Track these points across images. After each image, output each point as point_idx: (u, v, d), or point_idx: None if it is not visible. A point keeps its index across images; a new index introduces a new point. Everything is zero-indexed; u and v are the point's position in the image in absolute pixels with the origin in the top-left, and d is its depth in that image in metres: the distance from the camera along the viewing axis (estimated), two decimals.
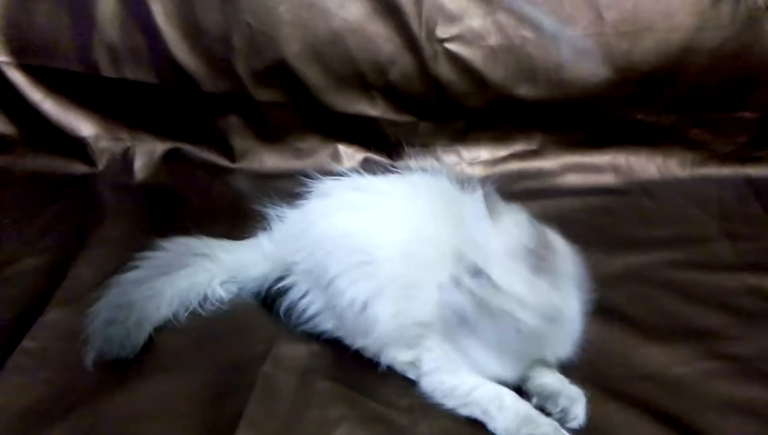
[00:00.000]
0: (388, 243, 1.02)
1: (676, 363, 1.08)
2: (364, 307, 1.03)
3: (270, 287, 1.19)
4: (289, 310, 1.14)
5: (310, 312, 1.11)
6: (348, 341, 1.09)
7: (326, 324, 1.11)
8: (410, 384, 1.03)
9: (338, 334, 1.10)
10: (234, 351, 1.10)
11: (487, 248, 0.92)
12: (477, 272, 0.91)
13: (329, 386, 1.01)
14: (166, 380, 1.04)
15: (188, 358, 1.09)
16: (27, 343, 1.11)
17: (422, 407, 0.99)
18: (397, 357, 1.06)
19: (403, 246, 1.02)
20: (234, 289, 1.23)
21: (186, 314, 1.17)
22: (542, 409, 0.97)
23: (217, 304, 1.20)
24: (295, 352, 1.08)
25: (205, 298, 1.20)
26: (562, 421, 0.95)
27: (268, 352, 1.07)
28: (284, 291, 1.15)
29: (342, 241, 1.04)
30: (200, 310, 1.18)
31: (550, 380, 1.00)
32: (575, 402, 0.97)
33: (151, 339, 1.12)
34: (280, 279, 1.16)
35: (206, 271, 1.22)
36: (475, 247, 0.93)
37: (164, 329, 1.15)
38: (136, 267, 1.20)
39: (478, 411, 0.96)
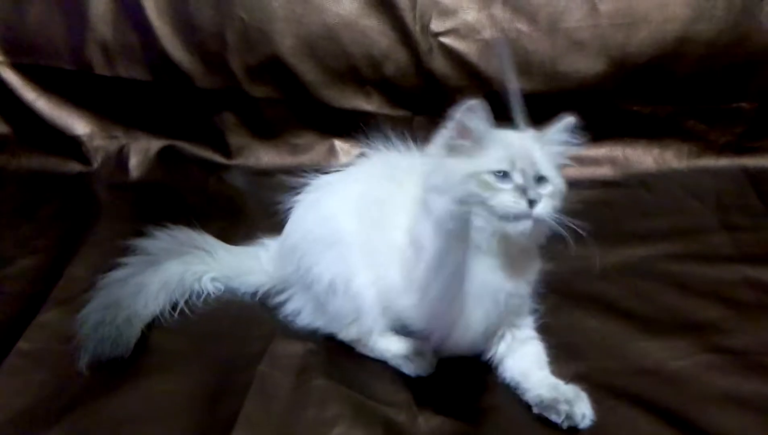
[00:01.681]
0: (347, 218, 1.06)
1: (674, 357, 1.08)
2: (346, 285, 1.05)
3: (266, 293, 1.21)
4: (285, 315, 1.16)
5: (303, 314, 1.14)
6: (341, 335, 1.10)
7: (318, 322, 1.12)
8: (406, 380, 1.03)
9: (330, 328, 1.11)
10: (230, 350, 1.09)
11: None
12: (538, 178, 0.95)
13: (326, 384, 1.00)
14: (162, 380, 1.04)
15: (184, 358, 1.09)
16: (22, 345, 1.10)
17: (420, 403, 0.98)
18: (391, 349, 1.07)
19: (357, 216, 1.06)
20: (221, 287, 1.23)
21: (177, 311, 1.17)
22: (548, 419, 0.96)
23: (207, 301, 1.20)
24: (292, 350, 1.07)
25: (192, 293, 1.20)
26: (573, 425, 0.94)
27: (264, 350, 1.07)
28: (282, 302, 1.17)
29: (310, 235, 1.09)
30: (189, 306, 1.18)
31: (545, 389, 0.98)
32: (575, 403, 0.96)
33: (146, 339, 1.11)
34: (277, 291, 1.18)
35: (203, 263, 1.22)
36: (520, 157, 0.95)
37: (159, 329, 1.14)
38: (122, 265, 1.19)
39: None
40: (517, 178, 0.93)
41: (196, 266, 1.22)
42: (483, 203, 0.92)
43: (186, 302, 1.19)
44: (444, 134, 0.97)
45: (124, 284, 1.15)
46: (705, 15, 1.52)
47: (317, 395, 0.98)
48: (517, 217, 0.92)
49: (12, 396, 1.01)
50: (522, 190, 0.92)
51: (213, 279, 1.22)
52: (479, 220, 0.92)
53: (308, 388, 0.99)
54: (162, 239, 1.24)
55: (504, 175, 0.93)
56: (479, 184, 0.93)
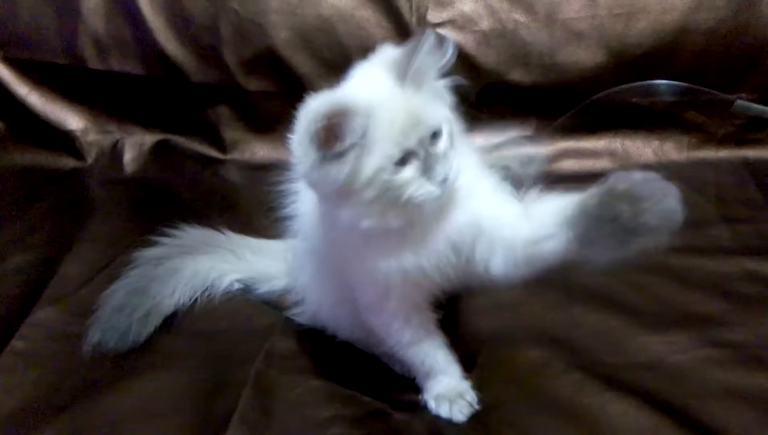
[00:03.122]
0: None
1: (673, 351, 1.07)
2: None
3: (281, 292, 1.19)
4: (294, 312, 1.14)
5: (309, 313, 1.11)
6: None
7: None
8: (405, 380, 1.02)
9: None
10: (226, 348, 1.09)
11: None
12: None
13: (323, 384, 1.00)
14: (157, 378, 1.03)
15: (180, 356, 1.08)
16: (16, 343, 1.10)
17: (419, 405, 0.98)
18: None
19: None
20: (238, 285, 1.21)
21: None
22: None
23: (216, 297, 1.19)
24: (289, 349, 1.07)
25: (212, 286, 1.19)
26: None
27: (261, 348, 1.06)
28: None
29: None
30: (204, 300, 1.18)
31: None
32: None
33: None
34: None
35: (229, 262, 1.21)
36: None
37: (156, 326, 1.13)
38: (159, 244, 1.19)
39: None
40: (417, 160, 0.77)
41: (227, 264, 1.21)
42: (396, 199, 0.77)
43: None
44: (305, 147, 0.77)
45: (157, 266, 1.15)
46: (705, 5, 1.50)
47: (314, 395, 0.97)
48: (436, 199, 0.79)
49: (6, 395, 1.00)
50: (426, 171, 0.77)
51: (238, 280, 1.20)
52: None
53: (305, 388, 0.99)
54: (191, 232, 1.24)
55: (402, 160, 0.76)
56: (381, 184, 0.76)
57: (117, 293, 1.11)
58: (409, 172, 0.77)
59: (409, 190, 0.77)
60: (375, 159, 0.75)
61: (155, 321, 1.11)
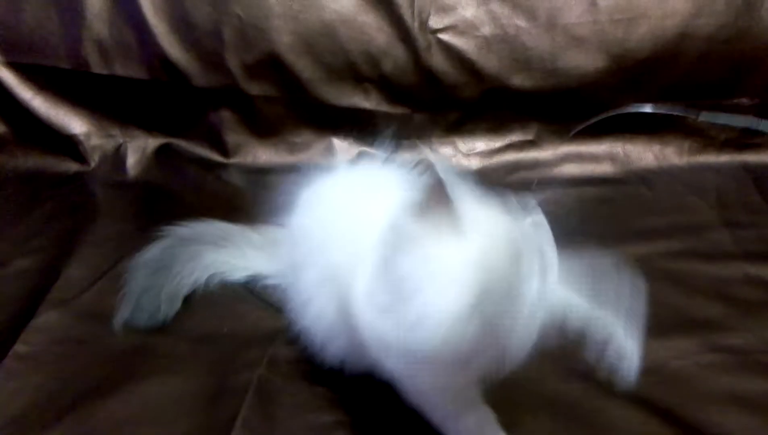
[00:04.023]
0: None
1: (674, 356, 1.07)
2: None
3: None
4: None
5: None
6: None
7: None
8: None
9: None
10: (230, 352, 1.08)
11: None
12: None
13: (326, 390, 0.99)
14: (160, 383, 1.03)
15: (183, 360, 1.08)
16: (19, 347, 1.10)
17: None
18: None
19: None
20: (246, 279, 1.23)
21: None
22: None
23: (209, 299, 1.19)
24: (292, 355, 1.06)
25: (224, 275, 1.21)
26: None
27: (264, 353, 1.06)
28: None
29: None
30: (192, 303, 1.18)
31: None
32: None
33: (144, 341, 1.11)
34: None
35: (235, 258, 1.22)
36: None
37: (158, 331, 1.13)
38: (185, 226, 1.20)
39: None
40: None
41: (235, 260, 1.22)
42: None
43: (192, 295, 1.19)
44: None
45: (185, 247, 1.17)
46: (705, 10, 1.51)
47: (317, 401, 0.97)
48: None
49: (8, 400, 1.00)
50: None
51: (250, 276, 1.22)
52: None
53: (308, 394, 0.99)
54: (205, 226, 1.25)
55: None
56: None
57: (143, 270, 1.13)
58: None
59: None
60: None
61: (179, 301, 1.14)
